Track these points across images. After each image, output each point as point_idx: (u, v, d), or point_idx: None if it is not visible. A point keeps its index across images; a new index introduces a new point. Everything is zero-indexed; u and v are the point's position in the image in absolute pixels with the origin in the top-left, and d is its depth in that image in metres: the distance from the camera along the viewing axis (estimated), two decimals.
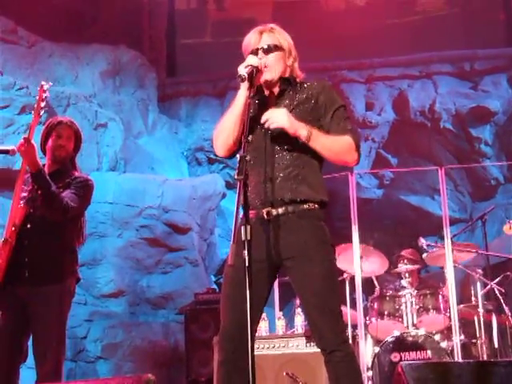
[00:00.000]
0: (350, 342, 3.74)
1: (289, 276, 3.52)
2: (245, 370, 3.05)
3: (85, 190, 4.83)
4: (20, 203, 4.64)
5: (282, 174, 3.50)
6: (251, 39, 3.67)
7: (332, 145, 3.51)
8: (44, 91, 4.73)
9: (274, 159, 3.52)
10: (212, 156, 11.30)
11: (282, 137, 3.52)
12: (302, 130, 3.45)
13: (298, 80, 3.71)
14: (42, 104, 4.69)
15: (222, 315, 3.48)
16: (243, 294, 3.05)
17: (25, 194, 4.73)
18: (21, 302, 4.60)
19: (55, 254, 4.69)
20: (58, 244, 4.72)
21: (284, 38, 3.70)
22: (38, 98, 4.70)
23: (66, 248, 4.78)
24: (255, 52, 3.61)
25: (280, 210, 3.47)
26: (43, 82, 4.79)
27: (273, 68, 3.60)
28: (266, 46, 3.62)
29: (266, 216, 3.48)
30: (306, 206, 3.50)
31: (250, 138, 3.29)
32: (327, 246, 3.51)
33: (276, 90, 3.67)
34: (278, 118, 3.44)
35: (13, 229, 4.56)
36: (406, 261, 7.18)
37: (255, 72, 3.46)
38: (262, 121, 3.45)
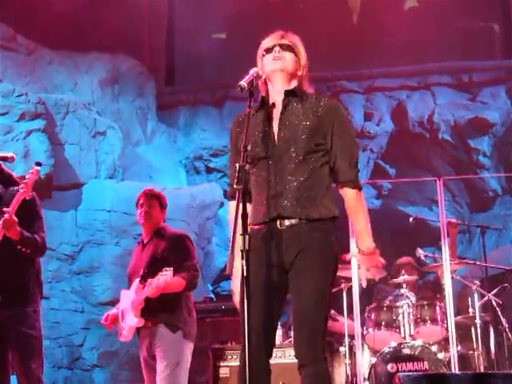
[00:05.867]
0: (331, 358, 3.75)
1: (289, 283, 3.52)
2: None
3: (39, 213, 4.99)
4: None
5: (293, 191, 3.50)
6: (271, 38, 3.66)
7: (364, 222, 3.73)
8: (38, 173, 4.79)
9: (283, 173, 3.51)
10: (210, 165, 11.30)
11: (289, 151, 3.52)
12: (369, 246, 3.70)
13: (303, 91, 3.68)
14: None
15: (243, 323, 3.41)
16: (261, 302, 3.24)
17: None
18: None
19: (25, 276, 4.89)
20: (27, 267, 4.90)
21: (302, 50, 3.69)
22: (31, 177, 4.73)
23: (34, 270, 4.97)
24: (271, 49, 3.60)
25: (293, 221, 3.50)
26: (37, 167, 4.82)
27: (286, 61, 3.59)
28: (284, 44, 3.61)
29: (279, 226, 3.49)
30: (318, 220, 3.54)
31: (249, 147, 3.28)
32: (330, 262, 3.54)
33: (281, 100, 3.62)
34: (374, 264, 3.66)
35: None
36: (404, 271, 7.17)
37: (255, 81, 3.44)
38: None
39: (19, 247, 4.72)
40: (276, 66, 3.58)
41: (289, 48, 3.61)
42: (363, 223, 3.68)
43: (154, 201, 5.51)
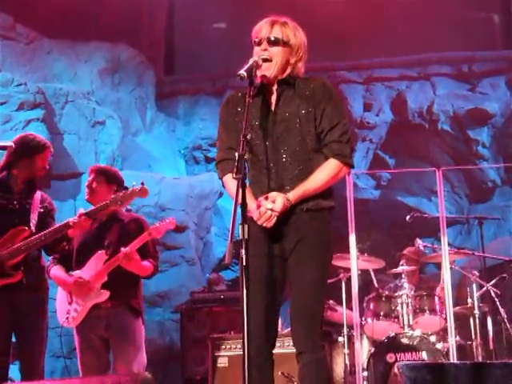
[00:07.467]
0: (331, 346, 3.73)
1: (288, 271, 3.54)
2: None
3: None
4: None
5: (290, 179, 3.50)
6: (261, 27, 3.62)
7: (317, 185, 3.48)
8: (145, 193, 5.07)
9: (281, 162, 3.53)
10: (209, 155, 11.28)
11: (285, 139, 3.54)
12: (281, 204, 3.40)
13: (296, 78, 3.66)
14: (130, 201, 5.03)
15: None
16: (263, 291, 3.31)
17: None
18: (11, 308, 4.86)
19: (42, 264, 5.07)
20: (41, 255, 5.09)
21: (295, 35, 3.64)
22: (131, 193, 5.00)
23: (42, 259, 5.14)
24: (259, 42, 3.57)
25: (292, 210, 3.46)
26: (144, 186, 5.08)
27: (273, 62, 3.55)
28: (272, 38, 3.56)
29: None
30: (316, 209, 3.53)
31: (248, 136, 3.28)
32: (328, 251, 3.58)
33: (275, 89, 3.63)
34: (276, 209, 3.38)
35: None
36: (405, 261, 7.18)
37: (254, 68, 3.44)
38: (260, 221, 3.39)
39: (65, 243, 5.03)
40: (262, 73, 3.54)
41: (277, 41, 3.56)
42: (314, 183, 3.49)
43: (100, 177, 5.31)
